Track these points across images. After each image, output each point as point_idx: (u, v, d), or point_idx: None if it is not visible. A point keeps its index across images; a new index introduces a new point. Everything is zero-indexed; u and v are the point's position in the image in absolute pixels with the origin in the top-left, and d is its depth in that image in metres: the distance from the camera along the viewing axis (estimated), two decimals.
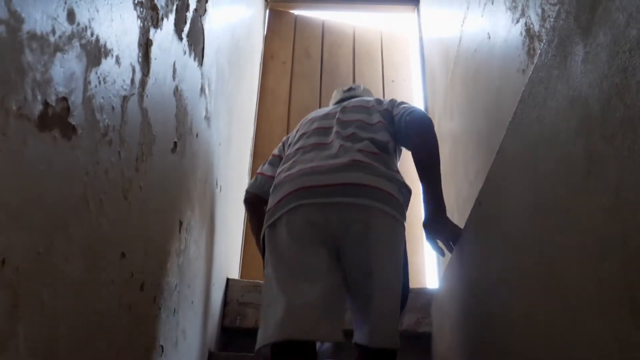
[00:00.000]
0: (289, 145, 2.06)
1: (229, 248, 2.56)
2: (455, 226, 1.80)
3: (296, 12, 4.14)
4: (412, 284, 2.96)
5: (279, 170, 1.88)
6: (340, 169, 1.70)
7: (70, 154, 0.88)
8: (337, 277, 1.65)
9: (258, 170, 2.17)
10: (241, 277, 2.89)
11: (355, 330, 1.68)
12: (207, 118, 1.88)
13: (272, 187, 1.82)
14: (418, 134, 1.88)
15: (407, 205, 1.79)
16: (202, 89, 1.79)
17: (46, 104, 0.79)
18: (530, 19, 1.28)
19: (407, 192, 1.80)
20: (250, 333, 2.45)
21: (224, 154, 2.29)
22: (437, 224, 1.81)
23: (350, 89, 2.35)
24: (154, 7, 1.28)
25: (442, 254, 1.93)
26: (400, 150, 2.06)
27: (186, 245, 1.67)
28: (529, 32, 1.28)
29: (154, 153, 1.31)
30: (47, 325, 0.83)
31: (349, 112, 2.00)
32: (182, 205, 1.62)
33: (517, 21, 1.38)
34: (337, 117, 1.98)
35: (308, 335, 1.53)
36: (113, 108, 1.05)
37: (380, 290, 1.63)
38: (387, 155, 1.84)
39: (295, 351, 1.55)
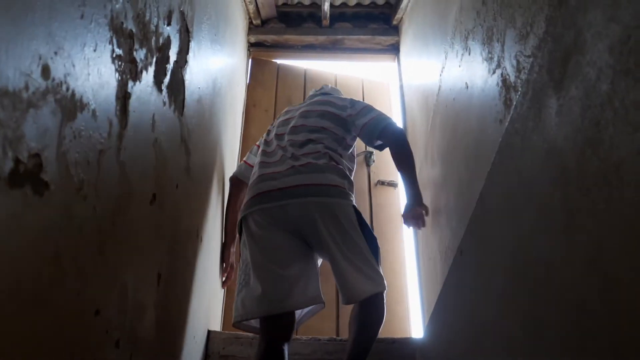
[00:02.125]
0: (264, 139, 2.55)
1: (211, 299, 2.51)
2: (424, 206, 2.31)
3: (279, 61, 4.19)
4: (397, 334, 2.93)
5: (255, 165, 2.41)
6: (289, 174, 2.17)
7: (42, 210, 0.86)
8: (305, 260, 2.11)
9: (244, 158, 2.77)
10: (223, 329, 2.83)
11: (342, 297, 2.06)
12: (187, 169, 1.87)
13: (250, 182, 2.32)
14: (395, 150, 2.37)
15: (349, 182, 2.25)
16: (183, 140, 1.78)
17: (17, 161, 0.78)
18: (506, 70, 1.30)
19: (349, 177, 2.26)
20: None
21: (205, 204, 2.27)
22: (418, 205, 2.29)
23: (320, 89, 2.87)
24: (132, 61, 1.28)
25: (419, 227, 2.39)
26: (352, 140, 2.49)
27: (165, 298, 1.64)
28: (505, 83, 1.30)
29: (131, 206, 1.29)
30: None
31: (305, 117, 2.44)
32: (161, 258, 1.59)
33: (494, 72, 1.41)
34: (296, 123, 2.43)
35: (282, 308, 1.97)
36: (88, 162, 1.04)
37: (345, 259, 2.04)
38: (334, 153, 2.29)
39: (276, 323, 1.98)
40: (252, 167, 2.56)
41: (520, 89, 1.13)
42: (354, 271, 2.03)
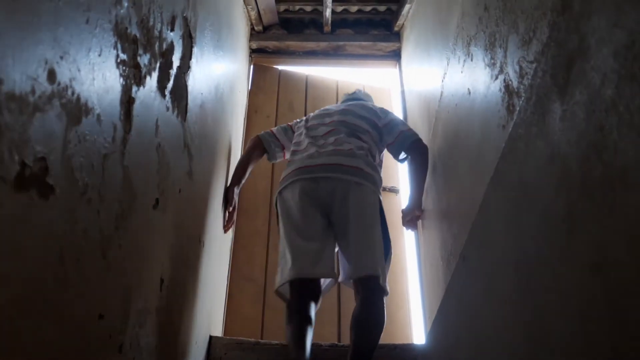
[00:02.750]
0: (302, 129, 2.73)
1: (212, 304, 2.51)
2: (421, 210, 2.59)
3: (280, 67, 4.20)
4: (398, 340, 2.92)
5: (293, 149, 2.62)
6: (328, 154, 2.39)
7: (47, 214, 0.87)
8: (329, 235, 2.30)
9: (272, 129, 2.90)
10: (224, 334, 2.83)
11: (344, 274, 2.28)
12: (190, 173, 1.87)
13: (287, 163, 2.55)
14: (418, 162, 2.55)
15: (380, 182, 2.43)
16: (185, 145, 1.79)
17: (23, 164, 0.78)
18: (508, 75, 1.30)
19: (379, 170, 2.48)
20: None
21: (207, 209, 2.27)
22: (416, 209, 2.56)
23: (353, 93, 3.05)
24: (136, 66, 1.28)
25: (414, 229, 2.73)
26: (382, 150, 2.70)
27: (167, 303, 1.64)
28: (507, 89, 1.30)
29: (134, 210, 1.30)
30: None
31: (349, 115, 2.65)
32: (164, 262, 1.59)
33: (496, 78, 1.41)
34: (338, 118, 2.63)
35: (310, 274, 2.18)
36: (93, 166, 1.04)
37: (357, 234, 2.20)
38: (368, 151, 2.46)
39: (304, 286, 2.18)
40: (280, 143, 2.80)
41: (523, 95, 1.13)
42: (365, 248, 2.18)
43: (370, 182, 2.33)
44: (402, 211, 2.66)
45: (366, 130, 2.59)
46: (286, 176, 2.44)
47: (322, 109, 2.89)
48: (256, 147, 2.83)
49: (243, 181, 2.80)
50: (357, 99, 2.99)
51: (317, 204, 2.32)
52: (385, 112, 2.76)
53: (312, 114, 2.85)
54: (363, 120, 2.63)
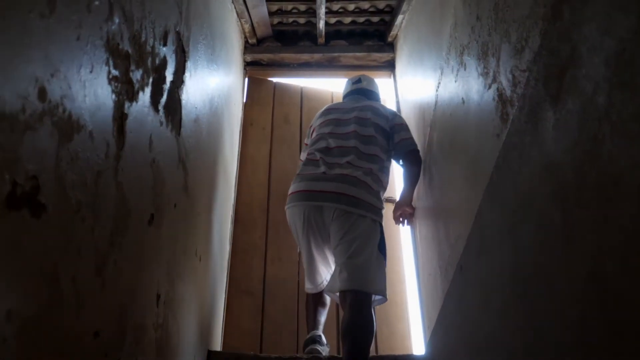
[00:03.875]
0: (310, 136, 2.89)
1: (211, 319, 2.50)
2: (411, 207, 2.77)
3: (275, 79, 4.20)
4: (398, 351, 2.91)
5: (306, 156, 2.69)
6: (336, 180, 2.44)
7: (39, 233, 0.86)
8: (322, 252, 2.56)
9: (300, 157, 3.11)
10: (223, 349, 2.81)
11: (332, 286, 2.37)
12: (185, 188, 1.86)
13: (297, 176, 2.63)
14: (411, 169, 2.65)
15: (381, 207, 2.49)
16: (180, 159, 1.78)
17: (14, 183, 0.78)
18: (502, 84, 1.30)
19: (381, 193, 2.52)
20: None
21: (203, 223, 2.26)
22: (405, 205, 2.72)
23: (358, 81, 3.17)
24: (129, 81, 1.28)
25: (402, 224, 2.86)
26: (391, 156, 2.74)
27: (164, 319, 1.63)
28: (501, 98, 1.30)
29: (129, 226, 1.29)
30: None
31: (362, 126, 2.68)
32: (160, 278, 1.58)
33: (490, 87, 1.41)
34: (352, 129, 2.66)
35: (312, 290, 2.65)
36: (86, 184, 1.03)
37: (348, 253, 2.28)
38: (377, 173, 2.51)
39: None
40: None
41: (516, 103, 1.13)
42: (355, 266, 2.26)
43: (371, 212, 2.40)
44: (393, 209, 2.79)
45: (377, 142, 2.63)
46: (293, 194, 2.55)
47: (332, 108, 2.94)
48: None
49: None
50: (365, 93, 3.08)
51: (318, 227, 2.46)
52: (393, 116, 2.82)
53: (323, 115, 2.90)
54: (374, 129, 2.68)
